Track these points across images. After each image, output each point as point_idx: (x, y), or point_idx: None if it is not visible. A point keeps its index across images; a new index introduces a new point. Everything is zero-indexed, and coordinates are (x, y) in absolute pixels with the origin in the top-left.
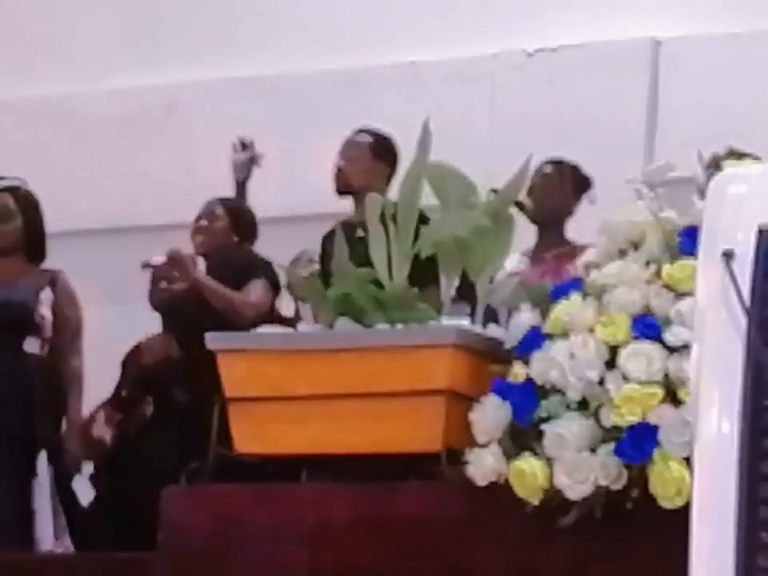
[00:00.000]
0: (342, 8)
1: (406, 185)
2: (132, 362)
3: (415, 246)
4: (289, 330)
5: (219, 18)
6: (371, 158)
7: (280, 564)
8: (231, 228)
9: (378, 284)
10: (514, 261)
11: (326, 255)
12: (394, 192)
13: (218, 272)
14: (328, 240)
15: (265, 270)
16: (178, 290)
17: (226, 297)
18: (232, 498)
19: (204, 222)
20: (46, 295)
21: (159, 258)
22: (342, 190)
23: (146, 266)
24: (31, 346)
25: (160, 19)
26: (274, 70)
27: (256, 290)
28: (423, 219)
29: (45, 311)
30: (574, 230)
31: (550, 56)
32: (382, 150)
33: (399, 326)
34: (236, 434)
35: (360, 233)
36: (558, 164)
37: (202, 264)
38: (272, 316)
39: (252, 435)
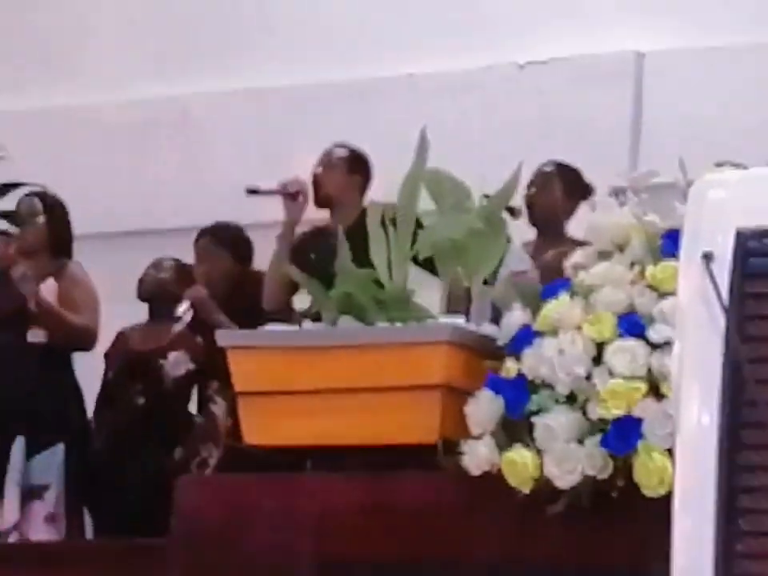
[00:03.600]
0: (341, 21)
1: (404, 190)
2: (118, 350)
3: (413, 248)
4: (295, 327)
5: (229, 32)
6: (347, 171)
7: (286, 549)
8: (233, 261)
9: (379, 284)
10: (517, 258)
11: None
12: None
13: (232, 303)
14: (299, 249)
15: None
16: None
17: None
18: (241, 486)
19: (205, 267)
20: (48, 286)
21: (184, 306)
22: (319, 199)
23: (178, 318)
24: (36, 335)
25: (173, 32)
26: (272, 82)
27: None
28: (418, 225)
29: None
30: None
31: (540, 68)
32: (358, 164)
33: (398, 324)
34: (245, 427)
35: (334, 240)
36: (557, 165)
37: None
38: None
39: (260, 427)
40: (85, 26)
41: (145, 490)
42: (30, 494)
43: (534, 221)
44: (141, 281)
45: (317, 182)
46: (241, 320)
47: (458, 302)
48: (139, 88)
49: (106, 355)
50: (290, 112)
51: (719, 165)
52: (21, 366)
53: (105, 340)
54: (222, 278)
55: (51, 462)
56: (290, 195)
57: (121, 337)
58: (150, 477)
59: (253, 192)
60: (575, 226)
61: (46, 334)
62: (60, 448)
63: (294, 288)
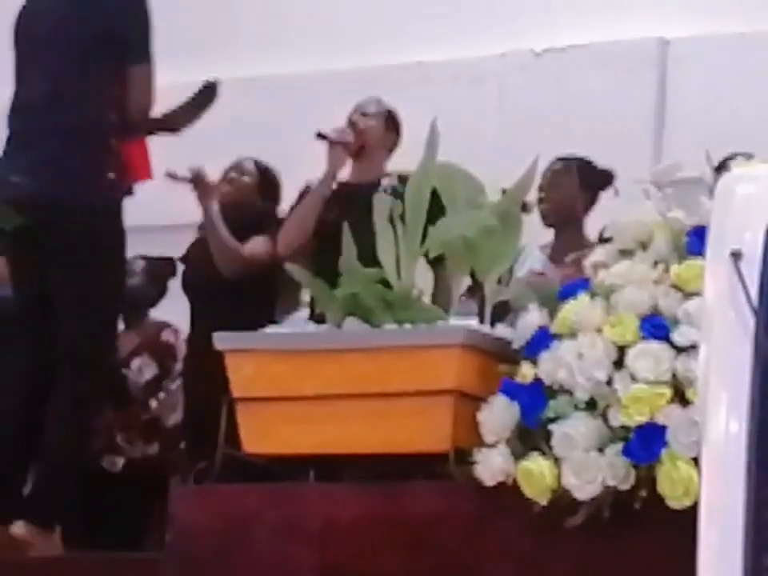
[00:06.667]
0: (350, 8)
1: (414, 185)
2: None
3: (423, 246)
4: (297, 329)
5: (224, 17)
6: (384, 126)
7: (288, 563)
8: (258, 186)
9: (386, 284)
10: (536, 260)
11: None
12: (393, 163)
13: (231, 223)
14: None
15: (269, 223)
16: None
17: (221, 240)
18: (240, 498)
19: (233, 174)
20: None
21: (185, 175)
22: (355, 149)
23: (170, 175)
24: None
25: (166, 21)
26: (281, 70)
27: (254, 244)
28: (440, 206)
29: None
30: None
31: (558, 56)
32: (394, 122)
33: (407, 326)
34: (244, 434)
35: (357, 200)
36: (565, 160)
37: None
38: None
39: (260, 435)
40: None
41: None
42: None
43: (550, 222)
44: None
45: (353, 129)
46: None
47: (445, 299)
48: None
49: None
50: (291, 102)
51: (730, 157)
52: None
53: None
54: (243, 199)
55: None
56: (339, 144)
57: None
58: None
59: (322, 137)
60: (599, 217)
61: None
62: None
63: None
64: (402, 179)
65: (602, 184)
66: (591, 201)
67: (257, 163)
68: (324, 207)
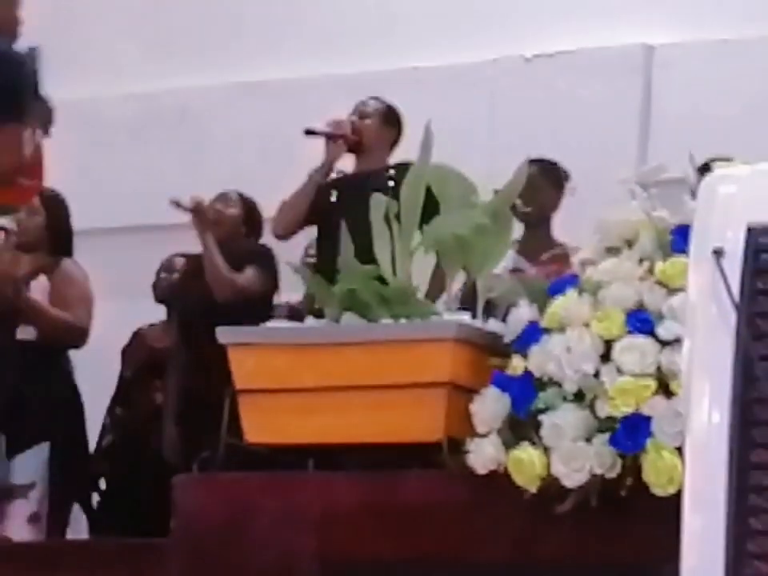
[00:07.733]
0: (347, 15)
1: (408, 185)
2: (136, 348)
3: (418, 243)
4: (297, 324)
5: (229, 25)
6: (382, 122)
7: (288, 548)
8: (243, 219)
9: (383, 280)
10: (509, 259)
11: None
12: (395, 157)
13: (224, 256)
14: (324, 191)
15: (262, 258)
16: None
17: (217, 268)
18: (242, 485)
19: (219, 206)
20: (40, 283)
21: (186, 203)
22: (351, 145)
23: (174, 203)
24: (27, 333)
25: (173, 26)
26: (280, 75)
27: (247, 275)
28: (434, 205)
29: (36, 297)
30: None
31: (548, 62)
32: (392, 117)
33: (402, 320)
34: (246, 425)
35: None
36: (539, 162)
37: None
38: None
39: (261, 426)
40: (84, 20)
41: (157, 488)
42: (12, 492)
43: (524, 221)
44: (155, 286)
45: (351, 128)
46: None
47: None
48: (137, 82)
49: (123, 354)
50: (292, 105)
51: (711, 160)
52: (8, 363)
53: (98, 337)
54: (228, 231)
55: (36, 461)
56: (335, 137)
57: (138, 335)
58: (163, 475)
59: (310, 133)
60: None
61: (35, 331)
62: (45, 446)
63: (306, 221)
64: (399, 168)
65: (563, 183)
66: (559, 199)
67: (241, 195)
68: (324, 192)
